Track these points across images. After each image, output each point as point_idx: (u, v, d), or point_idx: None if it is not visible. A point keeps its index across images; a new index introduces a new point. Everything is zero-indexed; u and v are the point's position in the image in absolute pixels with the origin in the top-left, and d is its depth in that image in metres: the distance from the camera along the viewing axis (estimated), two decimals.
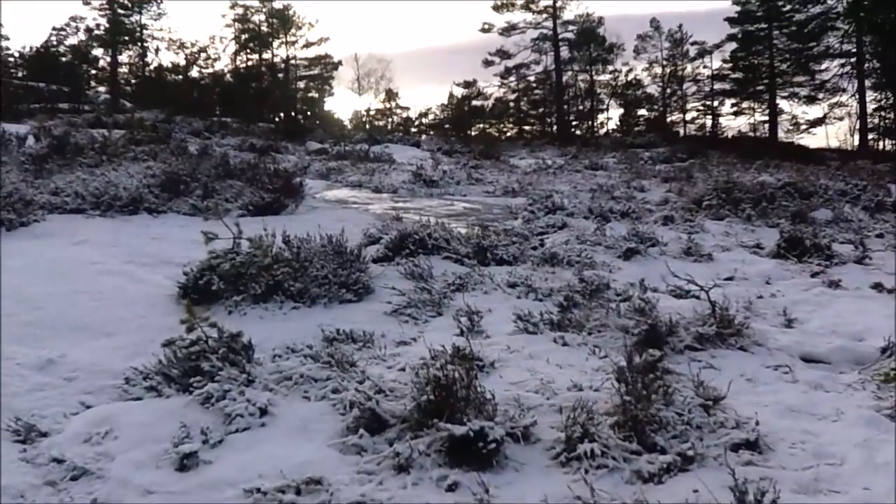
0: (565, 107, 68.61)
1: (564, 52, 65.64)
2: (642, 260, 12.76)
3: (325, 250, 10.58)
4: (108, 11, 59.91)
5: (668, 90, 66.76)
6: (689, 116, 67.39)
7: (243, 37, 62.53)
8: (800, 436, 5.91)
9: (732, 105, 64.83)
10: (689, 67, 65.89)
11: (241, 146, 30.08)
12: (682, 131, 65.40)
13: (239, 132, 38.91)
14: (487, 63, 67.14)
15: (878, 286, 11.33)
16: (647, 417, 5.63)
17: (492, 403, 5.74)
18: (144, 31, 61.93)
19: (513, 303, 9.81)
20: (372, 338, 8.32)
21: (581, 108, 70.28)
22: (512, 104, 71.34)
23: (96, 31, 60.68)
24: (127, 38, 61.30)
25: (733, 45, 62.17)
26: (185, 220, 14.43)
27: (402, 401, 6.00)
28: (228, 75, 62.40)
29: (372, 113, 72.60)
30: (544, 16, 63.85)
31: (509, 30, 64.96)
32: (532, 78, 68.68)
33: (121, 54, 62.41)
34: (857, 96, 54.93)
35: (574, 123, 69.80)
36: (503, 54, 66.31)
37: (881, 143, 57.82)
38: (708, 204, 17.59)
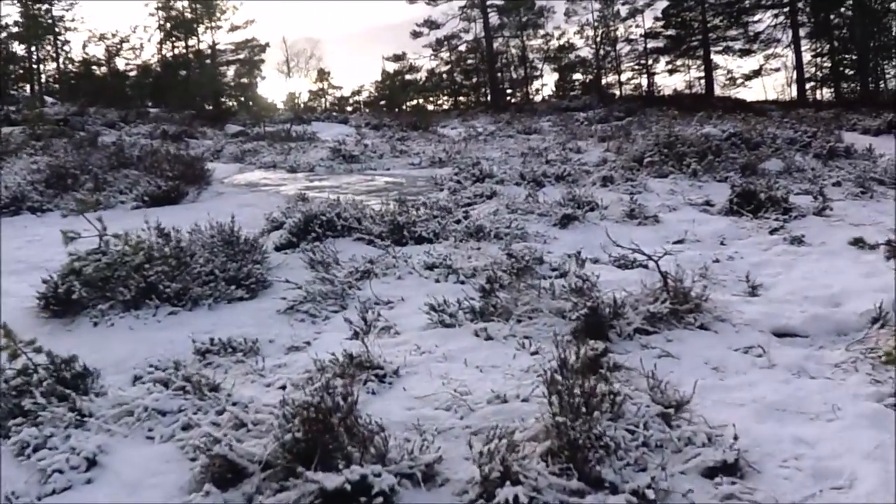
0: (499, 74, 67.24)
1: (494, 19, 64.01)
2: (581, 227, 11.32)
3: (214, 241, 9.07)
4: (20, 4, 57.45)
5: (602, 52, 65.63)
6: (624, 77, 66.28)
7: (168, 25, 60.34)
8: (791, 447, 4.51)
9: (667, 63, 63.76)
10: (621, 28, 64.78)
11: (153, 134, 28.13)
12: (618, 92, 64.37)
13: (157, 120, 36.90)
14: (416, 34, 65.09)
15: (858, 242, 9.87)
16: (589, 441, 4.15)
17: (382, 435, 4.26)
18: (59, 23, 59.53)
19: (430, 288, 8.36)
20: (256, 345, 6.80)
21: (515, 75, 69.01)
22: (445, 76, 69.77)
23: (12, 28, 58.20)
24: (41, 31, 58.83)
25: (665, 3, 61.15)
26: (73, 218, 12.77)
27: (269, 437, 4.47)
28: (156, 65, 60.39)
29: (302, 94, 70.76)
30: None
31: None
32: (463, 48, 67.09)
33: (40, 49, 59.97)
34: (793, 46, 54.11)
35: (509, 91, 68.54)
36: (431, 24, 64.33)
37: (819, 93, 57.39)
38: (650, 161, 16.04)
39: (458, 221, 11.36)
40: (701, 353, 6.18)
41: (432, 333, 6.86)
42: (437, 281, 8.69)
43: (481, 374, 5.83)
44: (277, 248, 10.32)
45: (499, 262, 8.87)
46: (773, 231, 11.06)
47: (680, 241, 10.52)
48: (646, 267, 8.49)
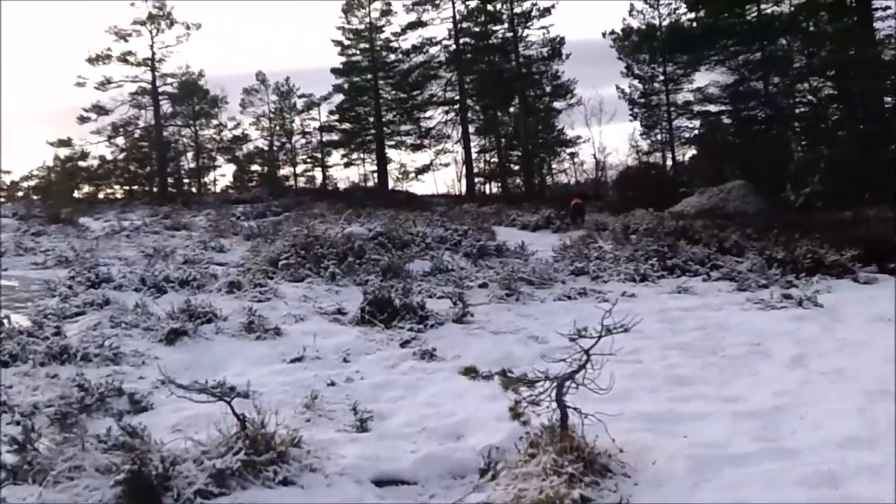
0: (172, 164, 65.21)
1: (166, 107, 61.98)
2: (191, 343, 9.73)
3: None
4: None
5: (278, 144, 64.97)
6: (299, 169, 65.92)
7: None
8: None
9: (342, 156, 64.03)
10: (297, 120, 64.42)
11: None
12: (293, 184, 63.75)
13: None
14: (83, 119, 61.71)
15: (469, 372, 8.62)
16: None
17: None
18: None
19: None
20: None
21: (193, 165, 67.08)
22: (121, 163, 66.63)
23: None
24: None
25: (341, 97, 61.33)
26: None
27: None
28: None
29: None
30: (143, 69, 59.75)
31: (105, 84, 60.09)
32: (137, 134, 64.32)
33: None
34: (462, 142, 55.54)
35: (185, 181, 66.52)
36: (100, 110, 60.99)
37: (487, 187, 59.06)
38: (286, 263, 14.73)
39: (45, 339, 9.57)
40: None
41: None
42: None
43: None
44: None
45: (67, 395, 7.28)
46: (404, 343, 9.96)
47: (298, 359, 9.15)
48: (246, 396, 7.20)
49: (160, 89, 60.43)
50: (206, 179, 67.46)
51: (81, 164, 65.08)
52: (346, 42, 59.86)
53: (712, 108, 46.51)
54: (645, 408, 6.89)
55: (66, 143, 63.69)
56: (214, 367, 8.71)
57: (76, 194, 61.89)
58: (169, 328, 9.83)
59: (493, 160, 59.78)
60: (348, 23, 59.51)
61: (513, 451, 5.85)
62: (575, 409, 5.72)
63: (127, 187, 66.71)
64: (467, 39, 56.69)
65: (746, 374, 8.14)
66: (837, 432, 6.20)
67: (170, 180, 65.76)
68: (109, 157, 65.08)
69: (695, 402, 7.16)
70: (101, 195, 64.00)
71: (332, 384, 8.11)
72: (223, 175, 68.62)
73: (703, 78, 46.94)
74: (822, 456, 5.72)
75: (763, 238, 18.77)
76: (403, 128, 60.47)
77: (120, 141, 63.30)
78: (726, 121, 45.05)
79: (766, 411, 6.78)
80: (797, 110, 38.69)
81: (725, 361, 8.77)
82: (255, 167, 66.61)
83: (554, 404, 5.74)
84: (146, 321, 10.36)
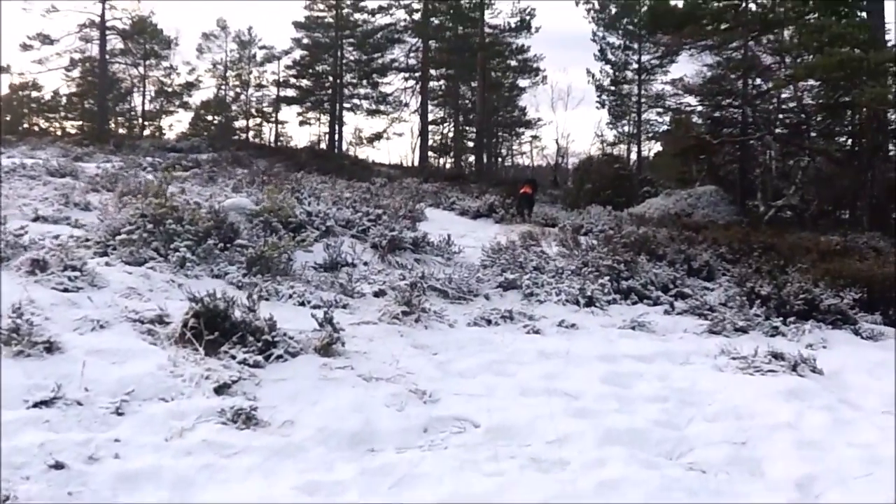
0: (120, 103, 62.29)
1: (116, 42, 58.65)
2: None
3: None
4: None
5: (232, 94, 62.22)
6: (252, 123, 63.25)
7: None
8: None
9: (298, 114, 61.49)
10: (255, 72, 61.74)
11: None
12: (245, 137, 61.06)
13: None
14: (26, 47, 58.09)
15: None
16: None
17: None
18: None
19: None
20: None
21: (150, 107, 64.31)
22: (77, 99, 63.29)
23: None
24: None
25: (302, 53, 58.76)
26: None
27: None
28: None
29: None
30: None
31: (51, 11, 56.45)
32: (88, 66, 60.76)
33: None
34: (420, 112, 53.08)
35: (136, 123, 63.67)
36: (45, 38, 57.55)
37: (440, 161, 56.90)
38: (125, 239, 10.90)
39: None
40: None
41: None
42: None
43: None
44: None
45: None
46: (221, 388, 6.47)
47: (46, 402, 5.75)
48: None
49: (108, 23, 57.10)
50: (160, 124, 64.93)
51: (34, 94, 62.55)
52: None
53: (688, 99, 43.45)
54: None
55: (3, 69, 60.54)
56: None
57: (26, 126, 59.53)
58: None
59: (449, 134, 57.64)
60: None
61: None
62: None
63: (79, 123, 63.77)
64: (435, 4, 53.79)
65: None
66: None
67: (120, 120, 63.54)
68: (66, 90, 62.67)
69: None
70: (58, 131, 61.25)
71: (60, 467, 4.76)
72: (179, 121, 66.63)
73: (680, 69, 44.40)
74: None
75: (741, 261, 15.53)
76: (361, 91, 58.32)
77: (75, 74, 60.46)
78: (698, 121, 41.94)
79: None
80: (780, 116, 35.85)
81: (695, 479, 5.48)
82: (211, 117, 64.29)
83: None
84: None
